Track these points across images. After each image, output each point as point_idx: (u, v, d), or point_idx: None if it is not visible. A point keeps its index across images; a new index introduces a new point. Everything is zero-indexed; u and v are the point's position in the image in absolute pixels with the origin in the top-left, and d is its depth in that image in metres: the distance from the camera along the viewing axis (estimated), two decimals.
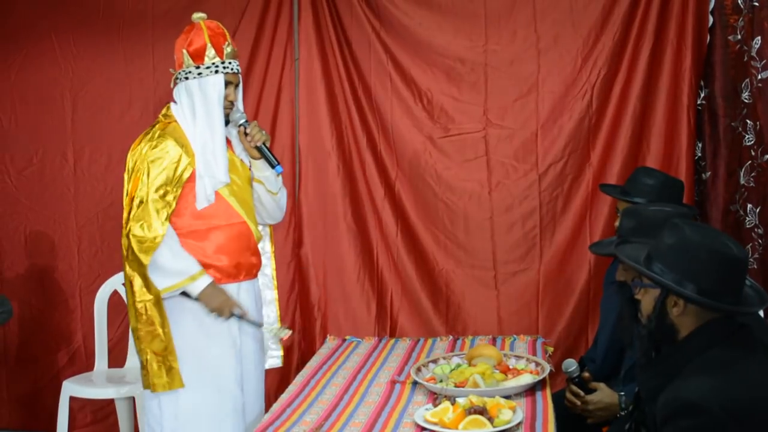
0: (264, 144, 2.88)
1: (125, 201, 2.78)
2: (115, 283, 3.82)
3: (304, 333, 3.92)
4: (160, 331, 2.69)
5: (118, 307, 3.85)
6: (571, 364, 2.74)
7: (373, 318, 3.87)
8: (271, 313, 3.17)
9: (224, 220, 2.82)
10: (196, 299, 2.74)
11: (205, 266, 2.78)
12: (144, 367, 2.73)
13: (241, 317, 2.78)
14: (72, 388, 3.61)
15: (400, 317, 3.86)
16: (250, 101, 3.88)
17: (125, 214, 2.75)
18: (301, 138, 3.92)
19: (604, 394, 2.69)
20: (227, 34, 2.86)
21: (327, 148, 3.89)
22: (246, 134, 2.88)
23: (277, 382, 3.80)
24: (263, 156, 2.90)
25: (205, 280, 2.73)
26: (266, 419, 2.49)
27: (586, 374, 2.75)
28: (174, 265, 2.71)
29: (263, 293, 3.14)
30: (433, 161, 3.82)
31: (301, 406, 2.60)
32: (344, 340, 3.44)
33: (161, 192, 2.71)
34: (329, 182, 3.90)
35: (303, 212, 3.92)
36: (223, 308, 2.74)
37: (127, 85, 4.00)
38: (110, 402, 3.87)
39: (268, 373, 3.62)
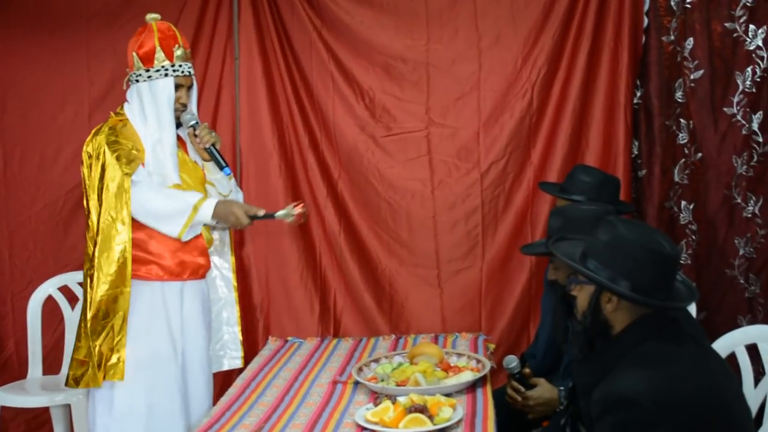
0: (213, 146, 2.89)
1: (90, 193, 2.75)
2: (49, 288, 3.71)
3: (246, 334, 3.84)
4: (117, 324, 2.67)
5: (53, 312, 3.74)
6: (511, 360, 2.76)
7: (317, 318, 3.84)
8: (231, 315, 3.15)
9: None
10: (216, 223, 2.81)
11: (148, 263, 2.78)
12: (84, 363, 2.69)
13: (263, 217, 2.81)
14: (3, 397, 3.49)
15: (344, 317, 3.84)
16: None
17: (93, 205, 2.72)
18: (242, 137, 3.87)
19: (544, 390, 2.72)
20: (179, 36, 2.86)
21: (269, 148, 3.85)
22: (195, 136, 2.88)
23: (218, 385, 3.73)
24: (212, 158, 2.90)
25: (209, 204, 2.75)
26: (206, 422, 2.45)
27: (527, 370, 2.77)
28: (173, 206, 2.72)
29: (223, 295, 3.13)
30: (375, 160, 3.81)
31: (241, 408, 2.56)
32: (286, 341, 3.41)
33: (125, 162, 2.71)
34: (271, 182, 3.86)
35: None
36: (240, 218, 2.76)
37: (59, 85, 3.87)
38: (45, 410, 3.75)
39: None
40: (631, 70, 3.61)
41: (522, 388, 2.74)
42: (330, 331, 3.81)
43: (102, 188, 2.71)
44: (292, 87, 3.84)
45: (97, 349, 2.68)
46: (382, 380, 2.62)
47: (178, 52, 2.82)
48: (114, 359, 2.69)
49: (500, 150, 3.75)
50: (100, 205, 2.71)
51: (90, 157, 2.78)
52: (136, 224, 2.75)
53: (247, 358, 3.58)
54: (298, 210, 2.83)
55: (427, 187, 3.80)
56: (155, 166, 2.78)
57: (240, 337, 3.17)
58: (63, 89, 3.88)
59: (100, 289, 2.68)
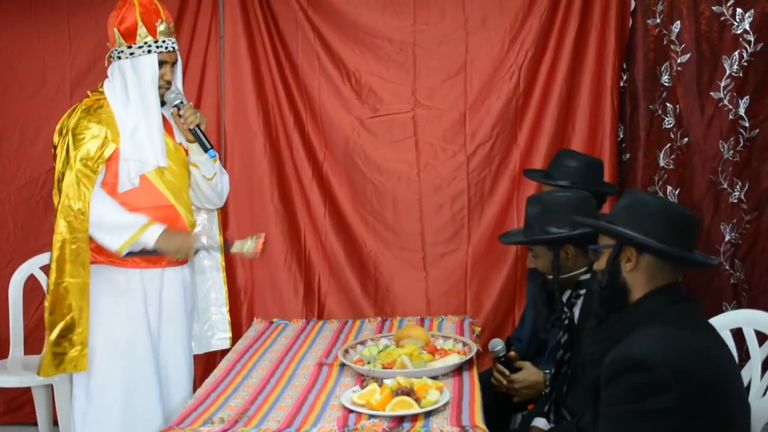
0: (198, 127, 2.81)
1: (55, 185, 2.70)
2: (31, 267, 3.67)
3: (230, 317, 3.81)
4: (77, 314, 2.63)
5: (34, 291, 3.70)
6: (497, 344, 2.76)
7: (301, 300, 3.82)
8: (219, 296, 3.13)
9: (148, 202, 2.75)
10: (154, 250, 2.71)
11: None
12: (51, 349, 2.67)
13: (206, 249, 2.82)
14: None
15: (328, 299, 3.83)
16: None
17: (56, 202, 2.67)
18: (226, 117, 3.83)
19: (529, 373, 2.72)
20: (161, 10, 2.77)
21: (253, 128, 3.81)
22: (180, 116, 2.80)
23: (202, 367, 3.72)
24: (197, 139, 2.83)
25: (157, 228, 2.69)
26: (191, 404, 2.43)
27: (512, 353, 2.78)
28: (121, 220, 2.67)
29: (211, 276, 3.10)
30: (361, 142, 3.79)
31: (226, 390, 2.55)
32: (271, 323, 3.40)
33: (84, 163, 2.65)
34: (255, 163, 3.82)
35: (229, 193, 3.82)
36: (182, 250, 2.73)
37: (40, 60, 3.81)
38: (26, 390, 3.72)
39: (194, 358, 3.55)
40: (618, 53, 3.61)
41: (507, 371, 2.74)
42: (314, 313, 3.80)
43: (62, 175, 2.68)
44: (278, 67, 3.80)
45: (51, 339, 2.65)
46: (369, 363, 2.62)
47: (162, 27, 2.73)
48: (73, 352, 2.65)
49: (486, 132, 3.74)
50: (60, 192, 2.68)
51: (58, 139, 2.74)
52: None
53: (232, 340, 3.58)
54: (259, 246, 2.78)
55: (413, 169, 3.79)
56: (132, 151, 2.71)
57: (228, 317, 3.14)
58: (44, 65, 3.81)
59: (51, 278, 2.66)
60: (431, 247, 3.79)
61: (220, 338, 3.14)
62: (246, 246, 2.82)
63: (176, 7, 3.73)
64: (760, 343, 2.53)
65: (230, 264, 3.83)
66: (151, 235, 2.69)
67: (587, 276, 2.45)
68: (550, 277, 2.50)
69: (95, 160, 2.67)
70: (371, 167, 3.79)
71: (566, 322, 2.51)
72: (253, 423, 2.26)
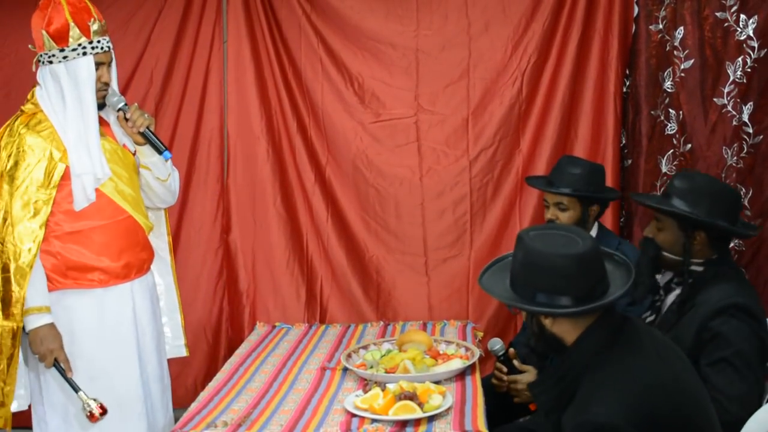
0: (148, 128, 2.65)
1: None
2: None
3: (232, 321, 3.84)
4: (3, 364, 2.49)
5: None
6: (495, 343, 2.77)
7: (303, 305, 3.82)
8: (171, 301, 2.99)
9: (107, 218, 2.63)
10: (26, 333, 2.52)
11: (89, 269, 2.61)
12: None
13: (62, 373, 2.50)
14: None
15: (330, 304, 3.82)
16: (176, 84, 3.78)
17: None
18: (229, 122, 3.82)
19: (533, 375, 2.72)
20: (92, 7, 2.60)
21: (256, 132, 3.81)
22: (126, 119, 2.64)
23: (204, 371, 3.72)
24: (148, 141, 2.67)
25: (41, 319, 2.51)
26: (193, 408, 2.43)
27: (512, 351, 2.78)
28: (30, 283, 2.50)
29: (160, 280, 2.96)
30: (364, 146, 3.78)
31: (229, 394, 2.55)
32: (274, 327, 3.40)
33: (26, 199, 2.49)
34: (258, 167, 3.82)
35: (231, 197, 3.83)
36: (46, 356, 2.50)
37: None
38: None
39: (195, 362, 3.56)
40: (621, 59, 3.61)
41: (505, 368, 2.74)
42: (316, 318, 3.79)
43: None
44: (281, 71, 3.80)
45: None
46: (371, 367, 2.61)
47: (95, 27, 2.55)
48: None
49: (489, 138, 3.74)
50: None
51: None
52: (67, 234, 2.58)
53: (234, 345, 3.58)
54: (93, 410, 2.46)
55: (416, 174, 3.78)
56: (80, 164, 2.54)
57: (182, 323, 3.02)
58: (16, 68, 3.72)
59: None
60: (433, 252, 3.78)
61: (175, 346, 3.00)
62: (84, 401, 2.49)
63: (180, 12, 3.73)
64: None
65: (232, 268, 3.83)
66: (31, 322, 2.51)
67: (698, 267, 2.42)
68: (666, 254, 2.45)
69: (44, 185, 2.51)
70: (374, 172, 3.79)
71: (658, 304, 2.50)
72: (256, 427, 2.26)
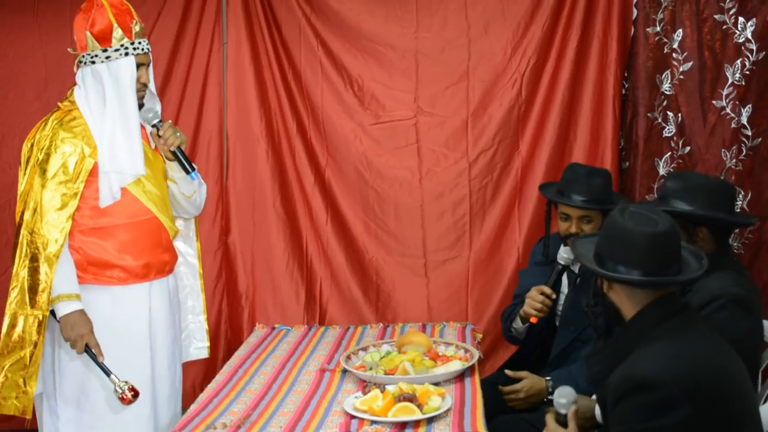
0: (179, 147, 2.73)
1: (19, 198, 2.61)
2: None
3: (231, 322, 3.84)
4: (27, 351, 2.54)
5: None
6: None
7: (302, 307, 3.82)
8: (197, 304, 3.06)
9: (131, 216, 2.68)
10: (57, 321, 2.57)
11: (110, 266, 2.65)
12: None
13: (93, 357, 2.54)
14: None
15: (330, 306, 3.82)
16: (175, 85, 3.78)
17: (18, 213, 2.59)
18: (229, 123, 3.82)
19: (532, 380, 2.72)
20: (133, 10, 2.68)
21: (256, 134, 3.81)
22: (159, 136, 2.71)
23: (203, 373, 3.72)
24: (177, 160, 2.74)
25: (71, 306, 2.56)
26: (192, 410, 2.43)
27: (507, 372, 2.78)
28: (57, 272, 2.55)
29: (188, 283, 3.02)
30: (363, 148, 3.79)
31: (228, 395, 2.55)
32: (273, 329, 3.40)
33: (55, 191, 2.55)
34: (258, 169, 3.82)
35: (231, 199, 3.84)
36: (77, 341, 2.54)
37: (42, 65, 3.78)
38: None
39: (194, 364, 3.54)
40: (619, 61, 3.61)
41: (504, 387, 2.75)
42: (315, 319, 3.79)
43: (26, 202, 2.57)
44: (281, 73, 3.80)
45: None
46: (371, 368, 2.61)
47: (137, 28, 2.64)
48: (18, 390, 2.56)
49: (488, 140, 3.74)
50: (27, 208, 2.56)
51: (30, 152, 2.62)
52: (91, 229, 2.63)
53: (233, 346, 3.59)
54: (127, 395, 2.51)
55: (415, 176, 3.79)
56: (111, 162, 2.61)
57: (206, 326, 3.07)
58: (46, 69, 3.76)
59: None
60: (433, 254, 3.79)
61: (198, 347, 3.06)
62: (116, 386, 2.54)
63: (179, 13, 3.73)
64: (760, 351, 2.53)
65: (231, 270, 3.84)
66: (62, 309, 2.56)
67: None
68: None
69: (73, 180, 2.57)
70: (373, 174, 3.79)
71: None
72: (256, 428, 2.26)
